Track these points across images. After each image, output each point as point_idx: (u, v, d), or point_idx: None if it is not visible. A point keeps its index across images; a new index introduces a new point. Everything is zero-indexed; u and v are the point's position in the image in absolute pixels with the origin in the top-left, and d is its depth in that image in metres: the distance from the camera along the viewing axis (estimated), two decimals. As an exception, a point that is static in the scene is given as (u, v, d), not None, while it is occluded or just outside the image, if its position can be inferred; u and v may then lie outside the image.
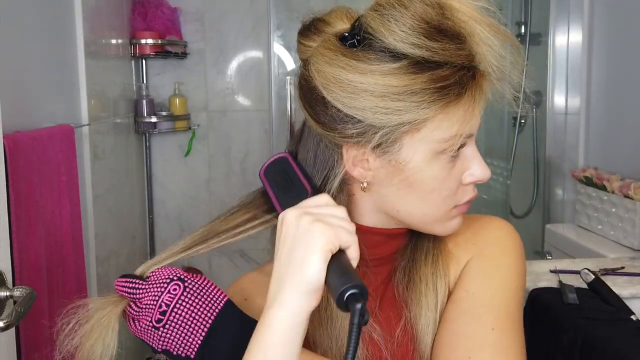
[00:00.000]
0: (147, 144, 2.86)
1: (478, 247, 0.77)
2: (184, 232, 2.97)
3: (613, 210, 2.04)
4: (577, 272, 1.55)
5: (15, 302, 0.90)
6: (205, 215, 2.96)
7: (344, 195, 0.72)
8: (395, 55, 0.64)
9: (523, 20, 2.66)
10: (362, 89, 0.64)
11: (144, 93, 2.73)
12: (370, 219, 0.74)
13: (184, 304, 0.66)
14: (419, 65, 0.63)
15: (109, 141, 2.15)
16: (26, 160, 1.21)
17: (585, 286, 1.50)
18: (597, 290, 1.48)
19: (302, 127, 0.76)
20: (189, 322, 0.65)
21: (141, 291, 0.67)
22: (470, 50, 0.64)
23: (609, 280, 1.53)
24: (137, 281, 0.68)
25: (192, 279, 0.67)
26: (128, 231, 2.44)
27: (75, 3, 1.76)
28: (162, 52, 2.68)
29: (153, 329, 0.65)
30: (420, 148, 0.66)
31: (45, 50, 1.55)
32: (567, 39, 2.45)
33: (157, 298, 0.66)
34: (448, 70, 0.63)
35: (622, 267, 1.69)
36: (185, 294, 0.66)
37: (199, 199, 2.97)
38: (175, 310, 0.65)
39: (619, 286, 1.55)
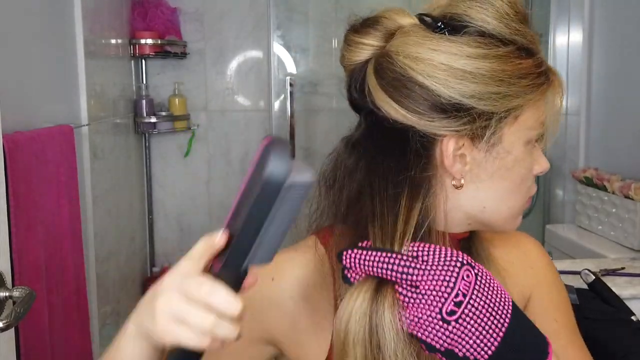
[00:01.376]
0: (147, 144, 2.86)
1: (537, 271, 0.80)
2: (183, 232, 2.97)
3: (613, 210, 2.04)
4: (578, 273, 1.55)
5: (14, 303, 0.90)
6: (205, 216, 2.96)
7: (429, 198, 0.65)
8: (501, 41, 0.65)
9: (523, 20, 2.65)
10: (475, 74, 0.63)
11: (144, 93, 2.73)
12: (443, 222, 0.69)
13: (480, 295, 0.54)
14: (523, 50, 0.66)
15: (109, 141, 2.15)
16: (25, 161, 1.21)
17: (585, 287, 1.50)
18: (598, 290, 1.47)
19: (349, 144, 0.71)
20: (485, 319, 0.54)
21: (419, 272, 0.54)
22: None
23: (609, 281, 1.52)
24: (407, 257, 0.55)
25: (478, 266, 0.56)
26: (127, 231, 2.44)
27: (74, 3, 1.76)
28: (161, 52, 2.67)
29: (440, 322, 0.53)
30: (518, 136, 0.67)
31: (44, 50, 1.55)
32: (567, 39, 2.45)
33: (449, 284, 0.54)
34: (538, 59, 0.67)
35: (623, 268, 1.69)
36: (478, 283, 0.55)
37: (199, 199, 2.96)
38: (472, 302, 0.54)
39: (619, 287, 1.55)
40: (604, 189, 2.08)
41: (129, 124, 2.58)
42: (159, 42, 2.65)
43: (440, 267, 0.54)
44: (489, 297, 0.55)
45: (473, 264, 0.56)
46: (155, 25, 2.66)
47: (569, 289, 1.47)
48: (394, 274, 0.55)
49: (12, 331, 0.98)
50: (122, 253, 2.31)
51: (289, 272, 0.72)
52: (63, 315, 1.37)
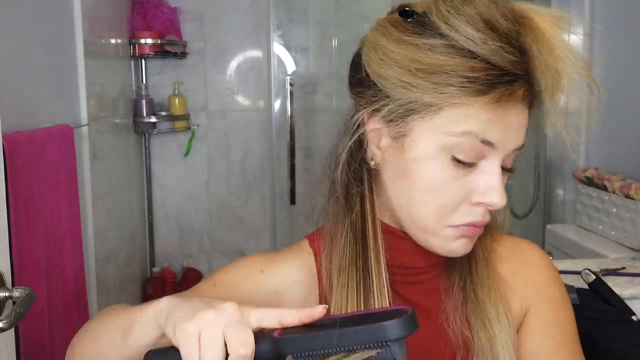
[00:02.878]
0: (147, 144, 2.86)
1: (538, 284, 0.76)
2: (183, 232, 2.97)
3: (614, 210, 2.04)
4: (578, 273, 1.55)
5: (14, 303, 0.90)
6: (205, 215, 2.96)
7: (367, 180, 0.69)
8: (435, 34, 0.62)
9: (523, 20, 2.65)
10: (391, 57, 0.63)
11: (144, 93, 2.72)
12: (386, 215, 0.71)
13: None
14: (453, 48, 0.60)
15: (108, 141, 2.14)
16: (25, 161, 1.21)
17: (586, 286, 1.50)
18: (598, 290, 1.47)
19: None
20: None
21: None
22: (525, 61, 0.61)
23: (609, 281, 1.52)
24: None
25: None
26: (127, 231, 2.44)
27: (74, 3, 1.76)
28: (161, 52, 2.67)
29: None
30: (428, 135, 0.63)
31: (44, 50, 1.54)
32: (567, 39, 2.44)
33: None
34: (480, 64, 0.60)
35: (623, 268, 1.69)
36: None
37: (199, 199, 2.96)
38: None
39: (620, 286, 1.55)
40: (605, 188, 2.08)
41: (128, 124, 2.57)
42: (159, 42, 2.64)
43: None
44: None
45: None
46: (155, 25, 2.66)
47: (570, 289, 1.47)
48: None
49: (12, 331, 0.98)
50: (122, 253, 2.31)
51: (277, 267, 0.75)
52: (63, 316, 1.37)
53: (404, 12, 0.66)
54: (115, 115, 2.29)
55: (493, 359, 0.69)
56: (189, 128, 2.86)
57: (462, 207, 0.64)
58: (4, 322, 0.84)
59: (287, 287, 0.74)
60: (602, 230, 2.12)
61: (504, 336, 0.70)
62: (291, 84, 2.61)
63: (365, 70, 0.66)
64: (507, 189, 0.71)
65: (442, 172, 0.63)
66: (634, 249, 1.95)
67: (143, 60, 2.77)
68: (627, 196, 1.96)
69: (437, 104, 0.61)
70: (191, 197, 2.96)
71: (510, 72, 0.60)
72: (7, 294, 0.90)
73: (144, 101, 2.68)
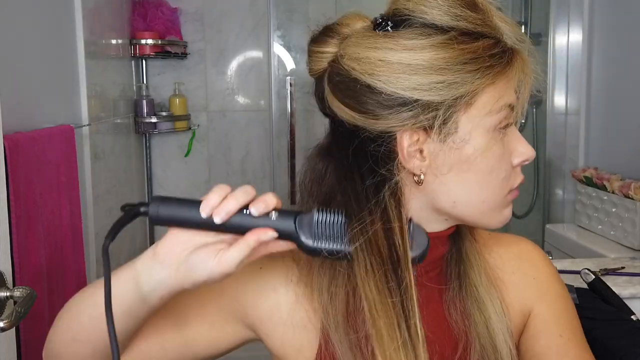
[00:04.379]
0: (147, 144, 2.86)
1: (540, 283, 0.77)
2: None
3: (613, 210, 2.04)
4: (578, 272, 1.55)
5: (15, 303, 0.90)
6: (206, 216, 2.96)
7: (394, 198, 0.65)
8: (441, 29, 0.63)
9: (523, 20, 2.66)
10: (414, 66, 0.62)
11: (144, 93, 2.73)
12: (419, 221, 0.69)
13: None
14: (466, 35, 0.63)
15: (109, 141, 2.15)
16: (26, 161, 1.21)
17: (585, 286, 1.50)
18: (598, 290, 1.47)
19: (318, 149, 0.74)
20: None
21: None
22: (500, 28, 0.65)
23: (609, 280, 1.53)
24: None
25: None
26: (128, 231, 2.44)
27: (75, 3, 1.76)
28: (162, 53, 2.68)
29: None
30: (476, 124, 0.64)
31: (45, 50, 1.55)
32: (567, 39, 2.45)
33: None
34: (492, 40, 0.64)
35: (623, 267, 1.69)
36: None
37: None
38: None
39: (619, 286, 1.55)
40: (604, 188, 2.08)
41: (129, 124, 2.58)
42: (160, 42, 2.65)
43: None
44: None
45: None
46: (156, 25, 2.66)
47: (569, 288, 1.47)
48: None
49: (12, 331, 0.98)
50: (123, 253, 2.31)
51: (275, 266, 0.74)
52: (64, 315, 1.37)
53: (381, 25, 0.66)
54: (116, 116, 2.29)
55: (491, 342, 0.70)
56: (190, 128, 2.86)
57: (511, 173, 0.69)
58: (5, 321, 0.85)
59: (283, 284, 0.74)
60: (601, 230, 2.12)
61: (498, 319, 0.71)
62: (291, 84, 2.61)
63: (385, 91, 0.63)
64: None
65: (497, 149, 0.66)
66: (633, 249, 1.95)
67: (144, 61, 2.78)
68: (627, 196, 1.96)
69: (474, 91, 0.63)
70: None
71: (505, 41, 0.65)
72: (8, 294, 0.91)
73: (144, 101, 2.69)
